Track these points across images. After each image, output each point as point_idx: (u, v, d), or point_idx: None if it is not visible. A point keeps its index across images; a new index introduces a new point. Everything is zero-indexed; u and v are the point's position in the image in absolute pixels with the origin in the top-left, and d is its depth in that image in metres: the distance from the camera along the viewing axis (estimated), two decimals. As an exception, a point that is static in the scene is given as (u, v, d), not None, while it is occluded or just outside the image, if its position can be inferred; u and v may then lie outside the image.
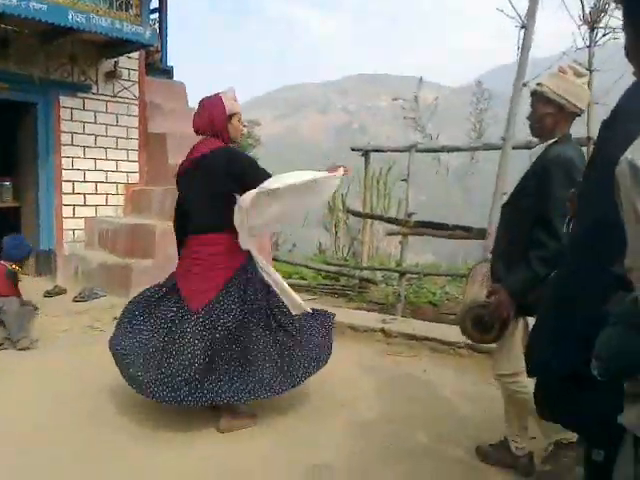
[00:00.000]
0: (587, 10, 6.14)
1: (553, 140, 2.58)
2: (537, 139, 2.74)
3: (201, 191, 3.26)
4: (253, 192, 3.06)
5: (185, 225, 3.39)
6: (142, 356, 3.15)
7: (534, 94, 2.63)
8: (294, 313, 3.38)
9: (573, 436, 2.50)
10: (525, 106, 3.24)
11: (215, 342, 3.10)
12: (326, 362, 3.50)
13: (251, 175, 3.22)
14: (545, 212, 2.42)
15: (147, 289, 3.43)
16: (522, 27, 5.15)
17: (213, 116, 3.31)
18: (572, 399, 1.41)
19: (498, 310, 2.55)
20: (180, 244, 3.50)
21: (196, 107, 3.47)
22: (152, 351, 3.14)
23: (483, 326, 2.63)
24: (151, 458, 2.91)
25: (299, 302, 3.37)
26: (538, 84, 2.62)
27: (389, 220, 7.28)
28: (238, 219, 3.13)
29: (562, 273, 1.53)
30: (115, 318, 3.70)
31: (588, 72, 2.57)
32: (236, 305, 3.17)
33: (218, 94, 3.38)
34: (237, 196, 3.15)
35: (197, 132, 3.38)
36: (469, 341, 2.90)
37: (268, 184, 3.09)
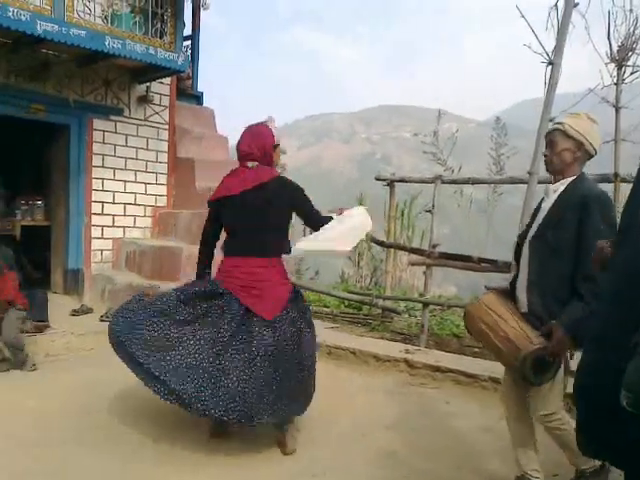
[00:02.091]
0: (615, 48, 6.18)
1: (573, 177, 2.66)
2: (551, 175, 2.80)
3: (261, 216, 3.35)
4: (303, 247, 3.44)
5: (214, 243, 3.62)
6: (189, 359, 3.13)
7: (554, 131, 2.72)
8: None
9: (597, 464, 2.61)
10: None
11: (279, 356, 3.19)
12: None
13: (306, 208, 3.50)
14: (588, 246, 2.36)
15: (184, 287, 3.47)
16: (549, 64, 5.19)
17: (266, 144, 3.48)
18: (611, 431, 1.40)
19: (560, 350, 2.52)
20: (207, 261, 3.64)
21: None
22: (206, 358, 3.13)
23: (542, 367, 2.55)
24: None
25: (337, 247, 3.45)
26: (558, 123, 2.73)
27: (413, 250, 7.26)
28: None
29: (601, 311, 1.52)
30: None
31: (597, 121, 2.73)
32: (294, 317, 3.35)
33: (265, 123, 3.56)
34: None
35: (244, 157, 3.46)
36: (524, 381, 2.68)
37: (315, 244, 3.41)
